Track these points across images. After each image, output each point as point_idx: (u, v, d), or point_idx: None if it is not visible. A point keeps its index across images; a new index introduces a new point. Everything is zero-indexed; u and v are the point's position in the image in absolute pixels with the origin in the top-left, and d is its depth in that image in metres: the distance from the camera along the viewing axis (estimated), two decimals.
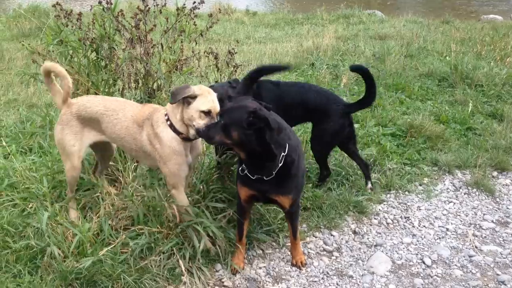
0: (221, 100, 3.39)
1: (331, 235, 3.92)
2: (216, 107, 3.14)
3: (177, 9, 4.61)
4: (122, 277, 3.09)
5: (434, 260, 3.65)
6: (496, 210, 4.34)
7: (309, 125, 4.87)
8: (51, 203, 3.59)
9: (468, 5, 17.10)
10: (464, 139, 5.58)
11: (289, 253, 3.61)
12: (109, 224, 3.41)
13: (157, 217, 3.42)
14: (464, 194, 4.59)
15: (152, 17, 4.56)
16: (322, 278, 3.45)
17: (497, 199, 4.52)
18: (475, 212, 4.30)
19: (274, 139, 2.95)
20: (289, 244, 3.60)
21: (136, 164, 3.92)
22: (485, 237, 3.98)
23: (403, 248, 3.79)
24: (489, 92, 6.87)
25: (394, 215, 4.23)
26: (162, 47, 4.67)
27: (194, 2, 4.55)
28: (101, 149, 3.77)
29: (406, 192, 4.58)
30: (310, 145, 4.37)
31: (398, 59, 8.24)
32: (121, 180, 3.83)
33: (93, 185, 3.75)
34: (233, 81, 3.98)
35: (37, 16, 10.79)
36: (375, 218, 4.16)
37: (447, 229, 4.05)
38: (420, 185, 4.72)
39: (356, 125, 5.72)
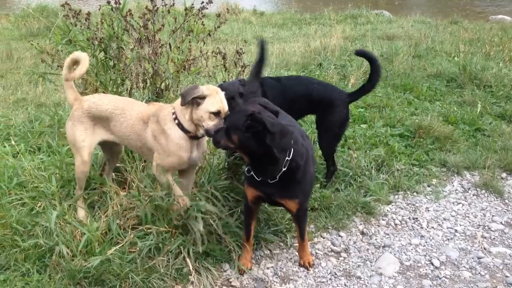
0: (232, 98, 3.41)
1: (339, 235, 3.91)
2: (224, 107, 3.15)
3: (185, 9, 4.61)
4: (130, 276, 3.09)
5: (442, 262, 3.63)
6: (505, 212, 4.32)
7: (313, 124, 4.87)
8: (60, 202, 3.60)
9: (476, 5, 17.01)
10: (472, 140, 5.55)
11: (297, 253, 3.60)
12: (117, 224, 3.41)
13: (165, 217, 3.42)
14: (473, 195, 4.56)
15: (160, 17, 4.57)
16: (330, 279, 3.44)
17: (506, 201, 4.49)
18: (484, 214, 4.28)
19: (276, 142, 2.93)
20: (297, 244, 3.59)
21: (143, 164, 3.92)
22: (494, 238, 3.95)
23: (412, 249, 3.77)
24: (498, 93, 6.84)
25: (402, 216, 4.21)
26: (170, 47, 4.68)
27: (202, 2, 4.55)
28: (110, 149, 3.79)
29: (415, 193, 4.56)
30: (317, 139, 4.37)
31: (406, 60, 8.22)
32: (129, 180, 3.83)
33: (101, 183, 3.76)
34: (242, 80, 4.00)
35: (45, 15, 10.83)
36: (383, 219, 4.15)
37: (456, 231, 4.02)
38: (429, 186, 4.70)
39: (364, 126, 5.72)
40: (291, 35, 11.66)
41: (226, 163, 3.96)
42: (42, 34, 10.41)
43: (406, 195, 4.53)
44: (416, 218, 4.18)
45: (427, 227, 4.07)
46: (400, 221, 4.13)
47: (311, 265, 3.53)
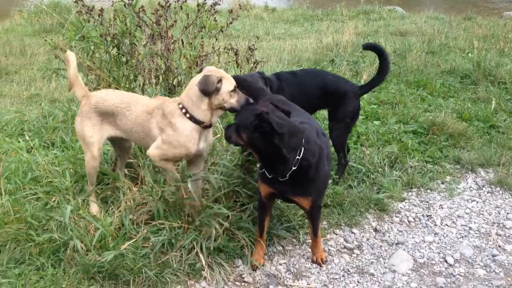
0: (252, 88, 3.52)
1: (352, 232, 3.89)
2: (233, 80, 3.29)
3: (198, 5, 4.62)
4: (143, 271, 3.11)
5: (456, 259, 3.60)
6: None
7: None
8: (74, 197, 3.62)
9: (489, 1, 16.81)
10: (487, 137, 5.48)
11: (310, 250, 3.59)
12: (130, 219, 3.43)
13: (178, 212, 3.43)
14: (487, 192, 4.52)
15: (172, 13, 4.58)
16: (343, 276, 3.42)
17: None
18: (498, 211, 4.23)
19: (285, 142, 2.96)
20: (310, 241, 3.58)
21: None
22: (508, 236, 3.91)
23: (425, 247, 3.75)
24: None
25: (416, 213, 4.18)
26: (183, 43, 4.69)
27: None
28: (119, 145, 3.83)
29: (428, 190, 4.52)
30: (328, 131, 4.36)
31: (420, 56, 8.13)
32: (141, 175, 3.85)
33: (114, 179, 3.77)
34: (262, 72, 4.07)
35: (58, 12, 10.89)
36: (396, 216, 4.12)
37: (470, 228, 3.99)
38: (442, 183, 4.66)
39: (376, 122, 5.68)
40: (303, 31, 11.61)
41: (240, 159, 3.95)
42: (55, 30, 10.47)
43: (419, 192, 4.49)
44: (430, 215, 4.14)
45: (441, 224, 4.04)
46: (414, 218, 4.10)
47: (324, 262, 3.51)
